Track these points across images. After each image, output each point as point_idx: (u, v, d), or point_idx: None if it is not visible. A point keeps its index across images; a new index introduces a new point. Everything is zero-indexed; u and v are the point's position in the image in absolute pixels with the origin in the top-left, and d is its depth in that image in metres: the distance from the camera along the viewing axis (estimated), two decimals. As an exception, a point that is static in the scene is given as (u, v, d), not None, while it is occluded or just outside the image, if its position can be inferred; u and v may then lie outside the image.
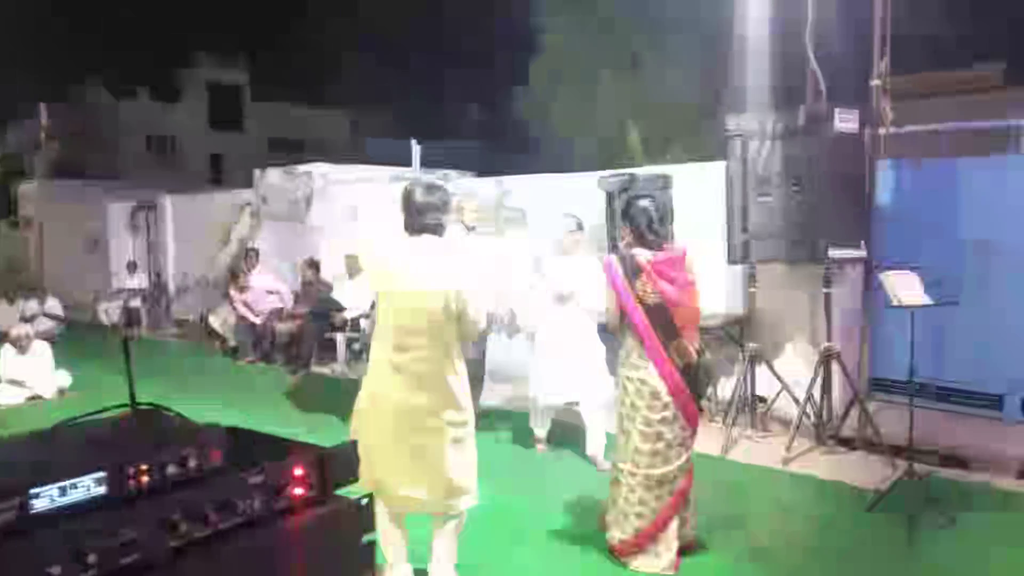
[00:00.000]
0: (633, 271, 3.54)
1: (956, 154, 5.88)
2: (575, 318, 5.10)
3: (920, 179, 5.88)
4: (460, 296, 3.11)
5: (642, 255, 3.56)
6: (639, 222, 3.61)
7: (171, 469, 1.48)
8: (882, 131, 5.37)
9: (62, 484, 1.36)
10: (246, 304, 9.53)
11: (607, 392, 4.77)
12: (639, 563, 3.56)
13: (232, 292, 9.79)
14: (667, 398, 3.49)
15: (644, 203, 3.67)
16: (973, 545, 3.90)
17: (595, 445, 5.11)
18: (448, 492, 3.17)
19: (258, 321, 9.41)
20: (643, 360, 3.51)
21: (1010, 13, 14.36)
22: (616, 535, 3.63)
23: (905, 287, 4.31)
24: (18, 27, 27.96)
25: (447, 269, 3.16)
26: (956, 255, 5.52)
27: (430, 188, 3.23)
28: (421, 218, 3.16)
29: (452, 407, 3.17)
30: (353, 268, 9.02)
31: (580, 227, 5.26)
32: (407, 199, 3.20)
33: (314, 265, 9.23)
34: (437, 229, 3.21)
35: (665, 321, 3.51)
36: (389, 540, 3.24)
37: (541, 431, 5.47)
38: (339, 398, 7.35)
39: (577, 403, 5.20)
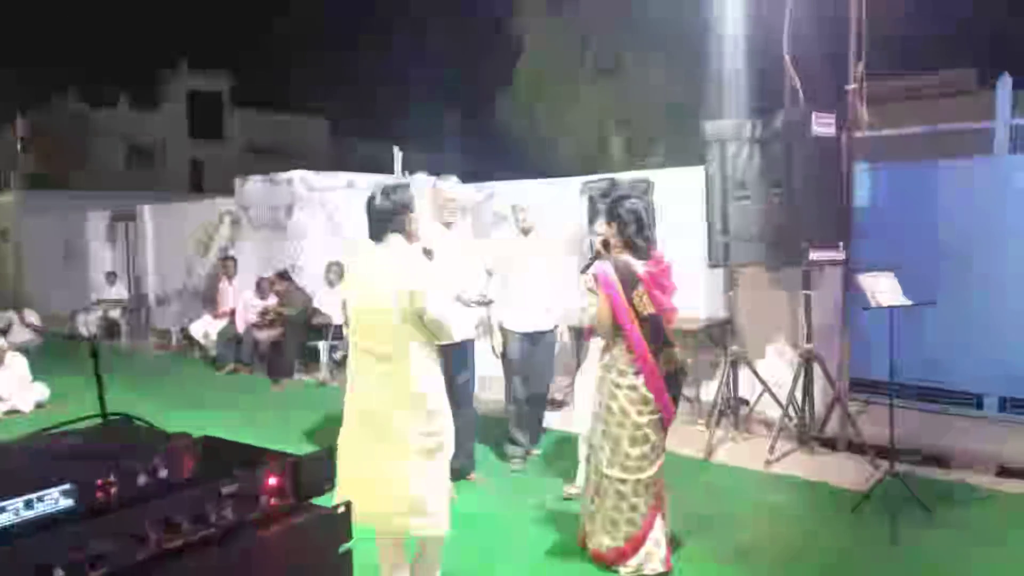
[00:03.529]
0: (630, 283, 3.52)
1: (932, 156, 5.95)
2: None
3: (897, 181, 5.95)
4: (415, 295, 2.99)
5: (638, 266, 3.55)
6: (629, 226, 3.56)
7: (141, 480, 1.44)
8: (859, 134, 5.41)
9: (27, 497, 1.32)
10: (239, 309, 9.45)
11: None
12: (631, 568, 3.57)
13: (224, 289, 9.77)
14: (653, 403, 3.55)
15: (634, 205, 3.59)
16: (954, 543, 3.93)
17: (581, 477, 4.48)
18: (410, 510, 3.02)
19: (241, 329, 9.33)
20: (632, 366, 3.53)
21: (984, 16, 14.60)
22: (605, 543, 3.61)
23: (883, 288, 4.35)
24: (-6, 35, 27.66)
25: (402, 269, 3.07)
26: (933, 256, 5.59)
27: (387, 192, 3.16)
28: (380, 224, 3.14)
29: (419, 418, 3.04)
30: (335, 276, 8.98)
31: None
32: (368, 206, 3.18)
33: (284, 276, 9.13)
34: (400, 231, 3.14)
35: (657, 331, 3.55)
36: (384, 557, 3.19)
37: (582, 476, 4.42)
38: (321, 406, 7.36)
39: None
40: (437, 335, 3.11)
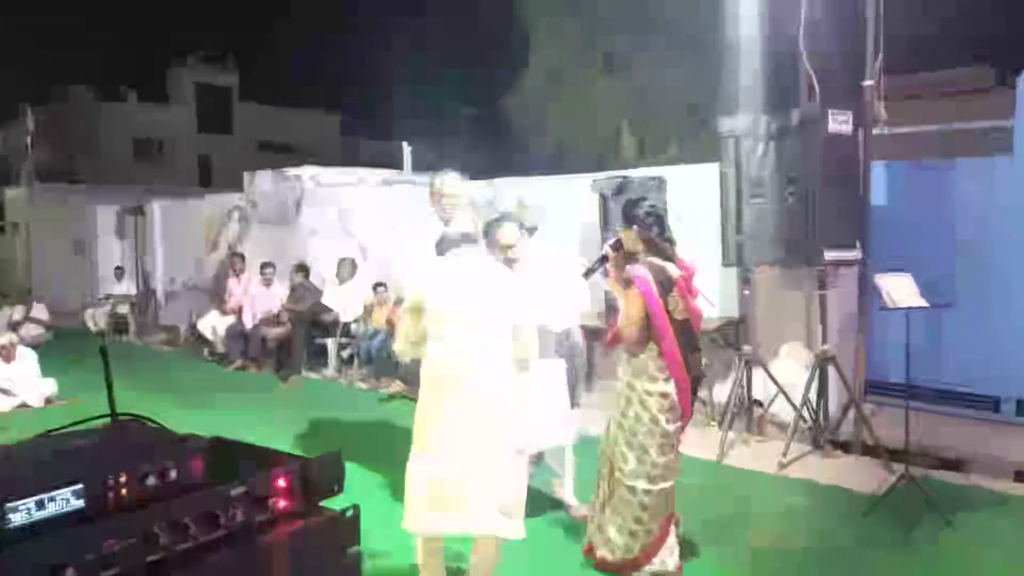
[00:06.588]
0: (666, 286, 3.46)
1: (950, 155, 5.88)
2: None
3: (914, 180, 5.88)
4: (525, 315, 3.10)
5: (671, 269, 3.50)
6: (650, 229, 3.51)
7: (151, 481, 1.43)
8: (876, 132, 5.35)
9: (39, 498, 1.32)
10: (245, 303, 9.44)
11: (575, 426, 4.29)
12: (644, 574, 3.51)
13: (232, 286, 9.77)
14: (678, 409, 3.50)
15: (651, 206, 3.56)
16: (970, 548, 3.87)
17: (571, 491, 4.41)
18: (502, 511, 3.00)
19: (249, 325, 9.31)
20: (663, 372, 3.46)
21: (1002, 14, 14.46)
22: (619, 553, 3.54)
23: (900, 289, 4.29)
24: (2, 28, 27.82)
25: (514, 286, 3.14)
26: (951, 256, 5.52)
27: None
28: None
29: (512, 420, 3.08)
30: (347, 273, 8.96)
31: (523, 228, 4.28)
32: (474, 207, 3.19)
33: (303, 269, 9.12)
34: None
35: (687, 336, 3.50)
36: (429, 567, 3.13)
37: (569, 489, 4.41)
38: (330, 404, 7.34)
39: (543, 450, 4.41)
40: (522, 353, 3.13)
